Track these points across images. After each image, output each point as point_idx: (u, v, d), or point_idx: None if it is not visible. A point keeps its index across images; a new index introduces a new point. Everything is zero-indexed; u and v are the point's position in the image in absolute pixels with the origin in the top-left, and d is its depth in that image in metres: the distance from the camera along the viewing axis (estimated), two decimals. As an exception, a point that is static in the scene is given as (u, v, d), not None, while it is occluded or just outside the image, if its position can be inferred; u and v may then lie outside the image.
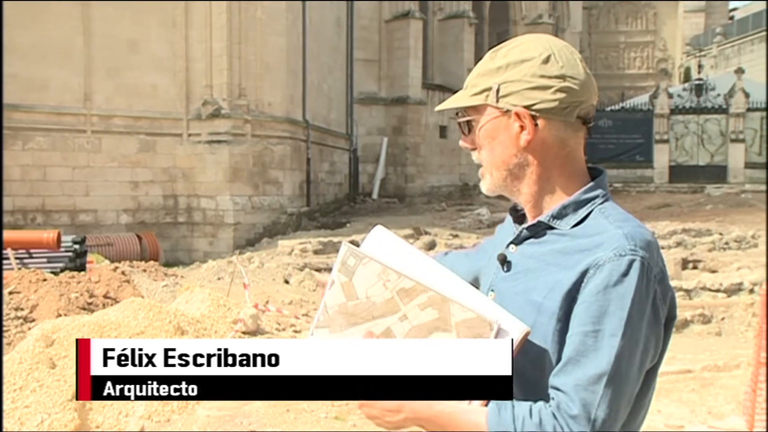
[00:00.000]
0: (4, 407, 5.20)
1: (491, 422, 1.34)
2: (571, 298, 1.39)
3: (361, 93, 27.19)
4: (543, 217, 1.51)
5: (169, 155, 18.23)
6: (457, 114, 1.59)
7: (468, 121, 1.56)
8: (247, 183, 18.38)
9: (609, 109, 32.38)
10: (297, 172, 20.02)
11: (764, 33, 37.47)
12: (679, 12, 46.28)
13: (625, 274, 1.36)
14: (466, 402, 1.37)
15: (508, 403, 1.35)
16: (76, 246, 11.73)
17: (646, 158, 30.41)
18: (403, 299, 1.41)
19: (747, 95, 29.73)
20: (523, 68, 1.48)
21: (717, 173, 29.66)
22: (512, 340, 1.36)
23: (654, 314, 1.39)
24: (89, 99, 17.29)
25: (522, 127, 1.49)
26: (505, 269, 1.54)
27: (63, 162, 17.03)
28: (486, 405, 1.37)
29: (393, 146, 27.92)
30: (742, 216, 20.63)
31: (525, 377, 1.41)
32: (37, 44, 16.35)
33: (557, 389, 1.35)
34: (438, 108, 1.59)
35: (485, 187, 1.58)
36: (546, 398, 1.37)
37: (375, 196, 27.05)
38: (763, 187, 26.71)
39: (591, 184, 1.52)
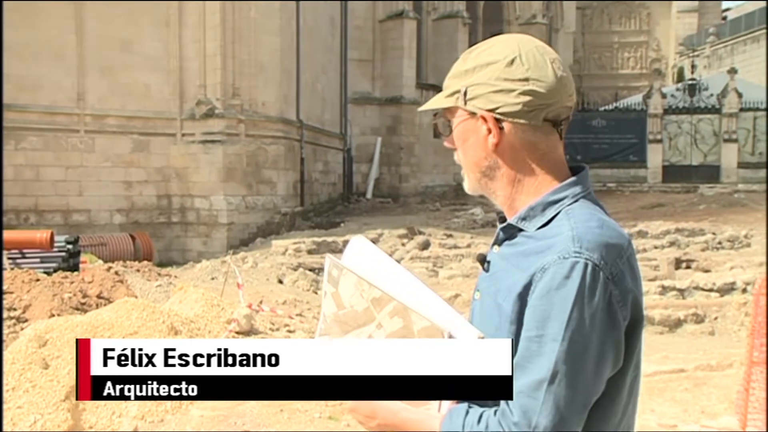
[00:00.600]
0: (-2, 408, 5.18)
1: (444, 427, 1.38)
2: (522, 301, 1.39)
3: (355, 93, 27.19)
4: (512, 219, 1.51)
5: (163, 155, 18.20)
6: (435, 115, 1.60)
7: (447, 122, 1.57)
8: (240, 183, 18.36)
9: (602, 109, 32.44)
10: (291, 171, 20.00)
11: (755, 33, 37.61)
12: (673, 12, 46.39)
13: (567, 276, 1.34)
14: (435, 409, 1.40)
15: (462, 409, 1.37)
16: (70, 246, 11.69)
17: (640, 158, 30.47)
18: (376, 308, 1.45)
19: (740, 95, 29.82)
20: (488, 71, 1.48)
21: (710, 173, 29.73)
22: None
23: (610, 317, 1.35)
24: (82, 98, 17.24)
25: (489, 130, 1.49)
26: (486, 269, 1.54)
27: (56, 162, 16.98)
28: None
29: (387, 146, 27.92)
30: (735, 216, 20.70)
31: None
32: (30, 43, 16.31)
33: None
34: (420, 109, 1.62)
35: (466, 186, 1.60)
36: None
37: (369, 195, 27.05)
38: (755, 187, 26.82)
39: (561, 185, 1.50)
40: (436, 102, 1.56)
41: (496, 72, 1.47)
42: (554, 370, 1.31)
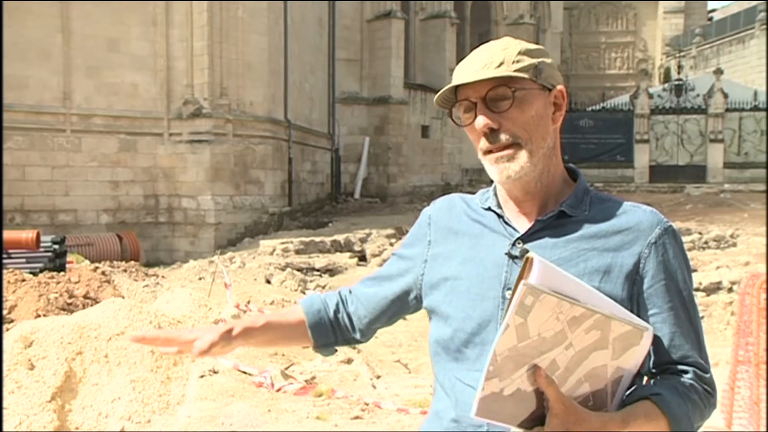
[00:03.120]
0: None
1: (669, 409, 1.43)
2: (632, 280, 1.50)
3: (343, 92, 27.18)
4: (564, 207, 1.54)
5: (150, 155, 18.14)
6: (490, 90, 1.50)
7: (499, 96, 1.50)
8: (228, 183, 18.32)
9: (590, 109, 32.54)
10: (279, 171, 19.97)
11: (741, 34, 37.82)
12: (659, 13, 46.59)
13: (677, 243, 1.54)
14: (620, 410, 1.43)
15: (663, 393, 1.44)
16: (56, 246, 11.62)
17: (627, 158, 30.59)
18: (571, 327, 1.37)
19: (726, 96, 29.99)
20: (548, 55, 1.56)
21: (696, 173, 29.88)
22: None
23: None
24: (69, 98, 17.16)
25: (558, 106, 1.55)
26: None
27: (42, 161, 16.88)
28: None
29: (375, 146, 27.93)
30: (721, 215, 20.82)
31: None
32: (16, 42, 16.20)
33: (683, 363, 1.49)
34: (475, 78, 1.48)
35: (519, 165, 1.50)
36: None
37: (357, 195, 27.04)
38: (741, 187, 27.01)
39: (579, 174, 1.61)
40: (498, 71, 1.48)
41: (550, 58, 1.56)
42: (699, 323, 1.54)
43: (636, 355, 1.41)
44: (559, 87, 1.54)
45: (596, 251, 1.50)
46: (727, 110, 30.09)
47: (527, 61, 1.50)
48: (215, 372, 6.06)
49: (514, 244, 1.54)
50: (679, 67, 35.42)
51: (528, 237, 1.54)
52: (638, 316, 1.47)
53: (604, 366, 1.40)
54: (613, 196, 1.61)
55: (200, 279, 12.70)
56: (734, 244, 16.24)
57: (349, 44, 27.33)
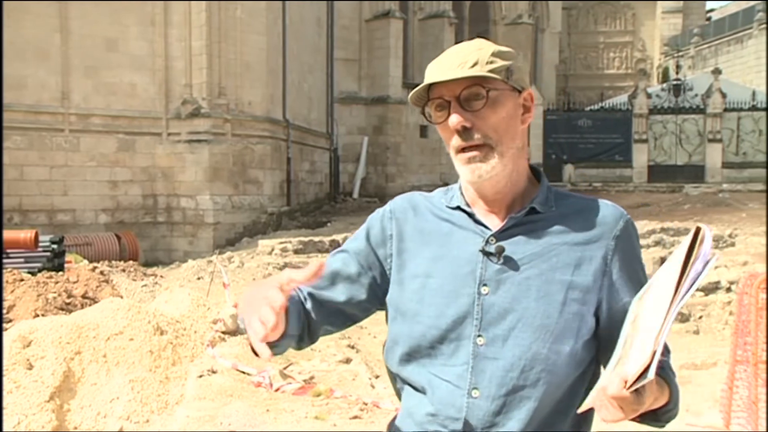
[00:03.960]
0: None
1: (673, 386, 1.49)
2: (602, 270, 1.55)
3: (342, 92, 27.17)
4: (535, 204, 1.58)
5: (149, 154, 18.13)
6: (465, 88, 1.52)
7: (473, 95, 1.53)
8: (227, 182, 18.31)
9: (588, 108, 32.53)
10: (277, 171, 19.97)
11: (739, 34, 37.84)
12: (657, 13, 46.58)
13: (635, 233, 1.61)
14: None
15: (664, 368, 1.49)
16: (54, 246, 11.62)
17: (626, 158, 30.57)
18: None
19: (724, 95, 29.99)
20: (520, 58, 1.59)
21: (695, 173, 29.88)
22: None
23: None
24: (67, 98, 17.15)
25: (527, 108, 1.60)
26: (500, 261, 1.54)
27: (40, 161, 16.87)
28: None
29: (373, 145, 27.92)
30: (720, 215, 20.81)
31: (564, 346, 1.52)
32: (14, 42, 16.19)
33: None
34: (450, 77, 1.51)
35: (490, 166, 1.53)
36: (572, 360, 1.52)
37: (355, 195, 27.03)
38: (739, 187, 27.01)
39: (542, 174, 1.66)
40: (473, 71, 1.51)
41: (521, 60, 1.59)
42: None
43: None
44: (529, 90, 1.60)
45: (567, 245, 1.55)
46: (726, 110, 30.10)
47: (500, 62, 1.53)
48: (214, 372, 6.06)
49: (487, 241, 1.56)
50: (678, 67, 35.41)
51: (501, 234, 1.57)
52: (609, 303, 1.55)
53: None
54: (572, 192, 1.68)
55: (199, 279, 12.70)
56: (732, 244, 16.24)
57: (348, 44, 27.33)
